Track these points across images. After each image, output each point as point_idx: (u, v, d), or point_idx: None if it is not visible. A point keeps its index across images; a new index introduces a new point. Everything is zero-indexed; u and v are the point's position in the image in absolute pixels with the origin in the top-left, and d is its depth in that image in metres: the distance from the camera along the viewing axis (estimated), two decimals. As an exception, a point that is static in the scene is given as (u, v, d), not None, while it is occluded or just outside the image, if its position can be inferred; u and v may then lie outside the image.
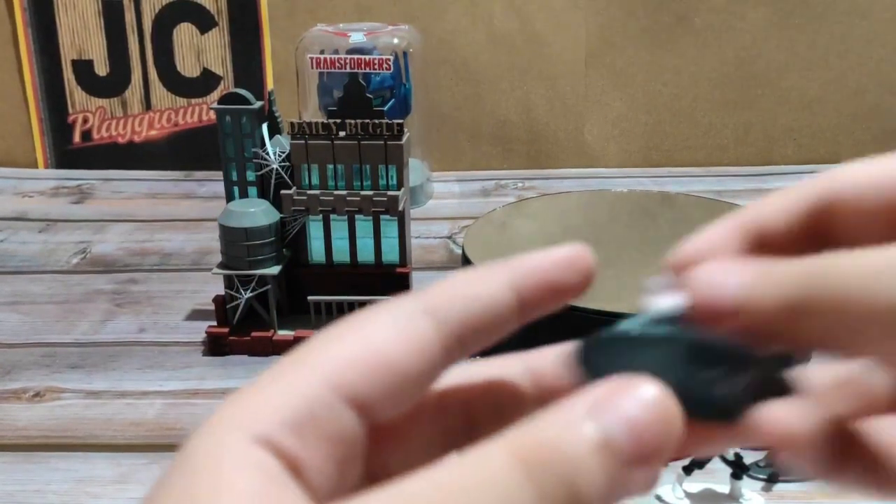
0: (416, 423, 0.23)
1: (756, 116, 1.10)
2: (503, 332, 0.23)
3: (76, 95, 1.11)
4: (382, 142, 0.70)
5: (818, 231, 0.22)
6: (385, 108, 0.75)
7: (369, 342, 0.21)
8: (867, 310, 0.18)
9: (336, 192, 0.71)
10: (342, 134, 0.70)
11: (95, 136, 1.12)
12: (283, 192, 0.72)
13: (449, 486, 0.18)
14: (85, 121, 1.11)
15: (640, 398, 0.19)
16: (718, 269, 0.21)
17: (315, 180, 0.72)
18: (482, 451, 0.18)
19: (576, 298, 0.23)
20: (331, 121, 0.71)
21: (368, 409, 0.21)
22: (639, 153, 1.13)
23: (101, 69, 1.10)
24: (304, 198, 0.71)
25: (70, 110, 1.11)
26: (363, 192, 0.71)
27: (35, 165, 1.15)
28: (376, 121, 0.70)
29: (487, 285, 0.23)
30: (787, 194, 0.23)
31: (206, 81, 1.10)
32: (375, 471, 0.22)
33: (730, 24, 1.07)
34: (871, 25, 1.06)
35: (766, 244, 0.23)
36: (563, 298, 0.23)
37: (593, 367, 0.21)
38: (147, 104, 1.11)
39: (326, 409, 0.20)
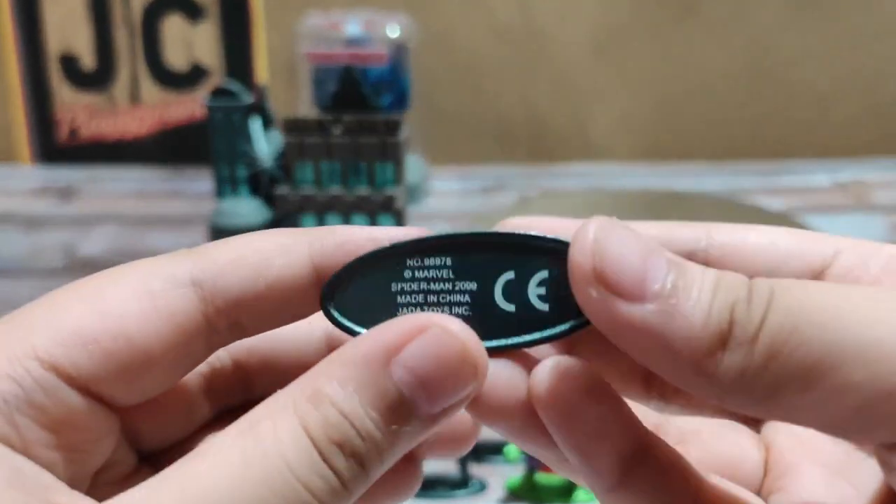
0: (179, 390, 0.20)
1: (768, 110, 1.08)
2: (296, 315, 0.19)
3: (62, 91, 1.09)
4: (379, 138, 0.69)
5: None
6: (382, 103, 0.73)
7: (105, 313, 0.17)
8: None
9: (331, 190, 0.70)
10: (337, 130, 0.68)
11: (82, 132, 1.10)
12: (276, 189, 0.70)
13: (242, 462, 0.15)
14: (71, 117, 1.09)
15: (433, 343, 0.16)
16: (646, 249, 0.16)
17: (309, 178, 0.70)
18: (270, 422, 0.16)
19: None
20: (326, 116, 0.69)
21: (101, 394, 0.17)
22: (646, 148, 1.11)
23: (88, 64, 1.08)
24: (298, 196, 0.70)
25: (56, 106, 1.09)
26: (359, 190, 0.70)
27: (19, 163, 1.13)
28: (373, 116, 0.68)
29: (281, 255, 0.19)
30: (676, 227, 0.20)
31: (197, 75, 1.08)
32: (138, 438, 0.20)
33: (740, 16, 1.05)
34: (886, 17, 1.05)
35: None
36: None
37: (343, 309, 0.18)
38: (135, 99, 1.09)
39: (43, 392, 0.17)
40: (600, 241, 0.16)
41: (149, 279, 0.18)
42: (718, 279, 0.16)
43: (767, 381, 0.15)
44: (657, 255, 0.16)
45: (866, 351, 0.15)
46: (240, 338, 0.20)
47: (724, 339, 0.15)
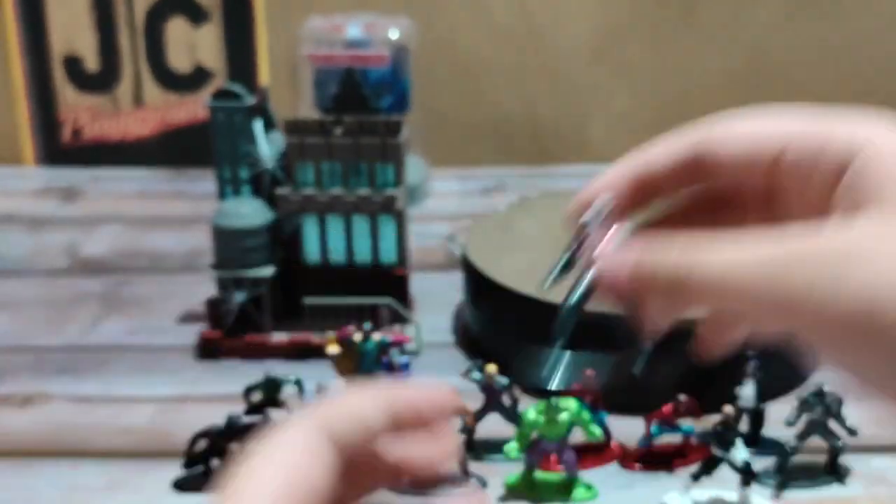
0: None
1: (764, 112, 1.09)
2: (376, 450, 0.27)
3: (66, 92, 1.10)
4: (380, 139, 0.69)
5: (695, 171, 0.27)
6: (382, 104, 0.74)
7: (289, 468, 0.25)
8: (722, 299, 0.25)
9: (332, 191, 0.70)
10: (338, 131, 0.69)
11: (85, 133, 1.11)
12: (277, 190, 0.71)
13: None
14: (75, 118, 1.10)
15: None
16: (616, 256, 0.27)
17: (310, 178, 0.71)
18: None
19: (438, 426, 0.28)
20: (327, 117, 0.69)
21: None
22: (644, 150, 1.11)
23: (92, 65, 1.09)
24: (300, 197, 0.71)
25: (59, 108, 1.10)
26: (360, 191, 0.70)
27: (23, 164, 1.14)
28: (374, 117, 0.69)
29: (370, 410, 0.27)
30: (668, 142, 0.28)
31: (199, 77, 1.09)
32: None
33: (738, 18, 1.06)
34: (882, 18, 1.06)
35: (651, 184, 0.28)
36: (429, 427, 0.28)
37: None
38: (138, 100, 1.10)
39: None
40: (606, 261, 0.27)
41: (309, 440, 0.26)
42: (654, 254, 0.26)
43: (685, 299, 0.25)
44: (629, 258, 0.26)
45: (723, 280, 0.24)
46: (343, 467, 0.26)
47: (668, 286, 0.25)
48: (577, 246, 0.29)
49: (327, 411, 0.27)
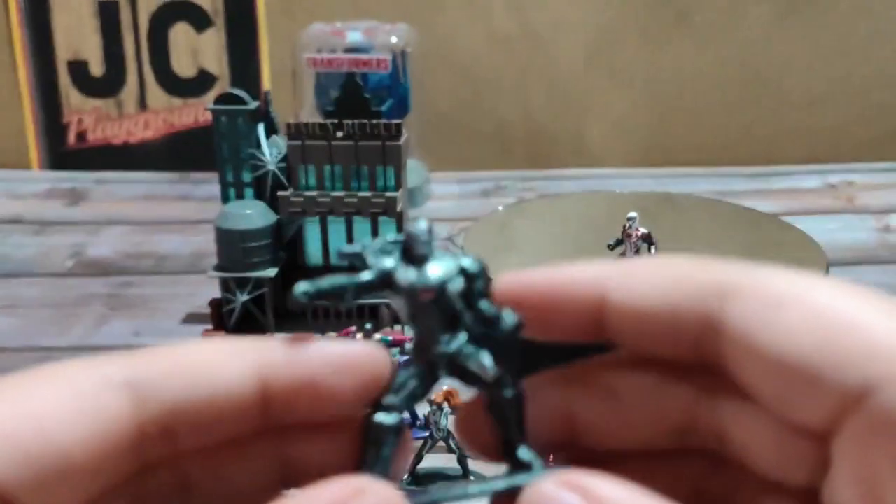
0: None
1: (758, 115, 1.10)
2: (236, 430, 0.18)
3: (71, 96, 1.11)
4: (380, 142, 0.70)
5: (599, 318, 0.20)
6: (383, 108, 0.75)
7: (25, 413, 0.16)
8: None
9: (333, 194, 0.71)
10: (340, 134, 0.70)
11: (90, 137, 1.11)
12: (279, 193, 0.71)
13: None
14: (79, 122, 1.11)
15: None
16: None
17: (312, 181, 0.72)
18: None
19: (353, 409, 0.18)
20: (328, 121, 0.70)
21: (13, 498, 0.16)
22: (640, 153, 1.13)
23: (97, 69, 1.10)
24: (301, 199, 0.71)
25: (64, 111, 1.11)
26: (361, 194, 0.71)
27: (29, 167, 1.15)
28: (374, 121, 0.70)
29: (225, 366, 0.18)
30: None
31: (203, 81, 1.10)
32: None
33: (731, 22, 1.07)
34: (875, 23, 1.06)
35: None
36: (330, 407, 0.18)
37: None
38: (142, 105, 1.10)
39: None
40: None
41: (78, 379, 0.17)
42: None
43: None
44: None
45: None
46: (173, 450, 0.18)
47: None
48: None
49: (147, 355, 0.18)
